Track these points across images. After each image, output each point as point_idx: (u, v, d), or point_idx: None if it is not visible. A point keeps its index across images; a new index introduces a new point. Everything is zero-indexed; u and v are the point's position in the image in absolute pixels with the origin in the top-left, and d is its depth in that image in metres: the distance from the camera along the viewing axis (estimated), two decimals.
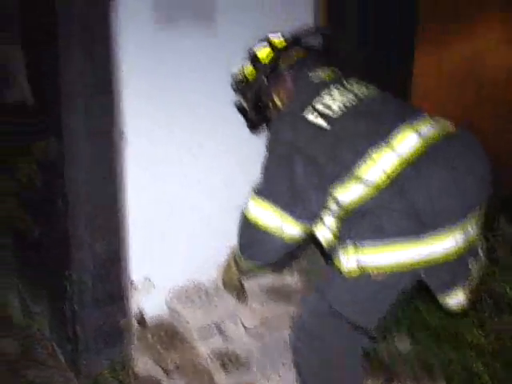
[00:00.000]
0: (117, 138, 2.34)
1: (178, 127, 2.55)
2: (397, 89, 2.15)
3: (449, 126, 1.84)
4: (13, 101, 2.72)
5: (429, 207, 1.67)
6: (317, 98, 1.86)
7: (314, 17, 2.77)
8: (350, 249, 1.73)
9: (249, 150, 2.62)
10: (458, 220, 1.71)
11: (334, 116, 1.81)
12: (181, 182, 2.61)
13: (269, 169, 1.92)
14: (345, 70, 2.03)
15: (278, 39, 2.08)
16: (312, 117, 1.82)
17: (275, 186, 1.89)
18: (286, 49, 2.05)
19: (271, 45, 2.07)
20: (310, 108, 1.84)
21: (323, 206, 1.83)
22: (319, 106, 1.84)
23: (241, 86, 2.14)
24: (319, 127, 1.80)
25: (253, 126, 2.38)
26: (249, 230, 1.97)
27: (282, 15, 2.63)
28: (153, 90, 2.46)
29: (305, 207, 1.85)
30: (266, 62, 2.04)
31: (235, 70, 2.16)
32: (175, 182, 2.60)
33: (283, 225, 1.88)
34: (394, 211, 1.69)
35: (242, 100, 2.16)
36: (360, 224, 1.73)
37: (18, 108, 2.66)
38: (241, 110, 2.25)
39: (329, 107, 1.83)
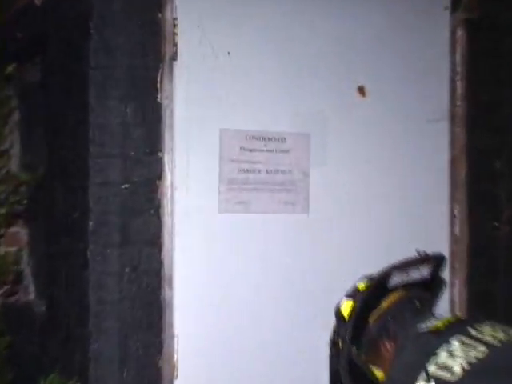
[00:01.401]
0: None
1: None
2: None
3: None
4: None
5: None
6: (430, 358, 1.54)
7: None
8: None
9: None
10: None
11: (455, 380, 1.48)
12: None
13: None
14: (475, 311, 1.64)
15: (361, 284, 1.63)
16: None
17: None
18: (369, 296, 1.61)
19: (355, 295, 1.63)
20: (423, 374, 1.52)
21: None
22: (433, 369, 1.51)
23: (332, 349, 1.76)
24: None
25: None
26: None
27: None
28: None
29: None
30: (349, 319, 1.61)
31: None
32: None
33: None
34: None
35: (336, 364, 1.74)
36: None
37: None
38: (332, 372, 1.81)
39: (447, 368, 1.48)
